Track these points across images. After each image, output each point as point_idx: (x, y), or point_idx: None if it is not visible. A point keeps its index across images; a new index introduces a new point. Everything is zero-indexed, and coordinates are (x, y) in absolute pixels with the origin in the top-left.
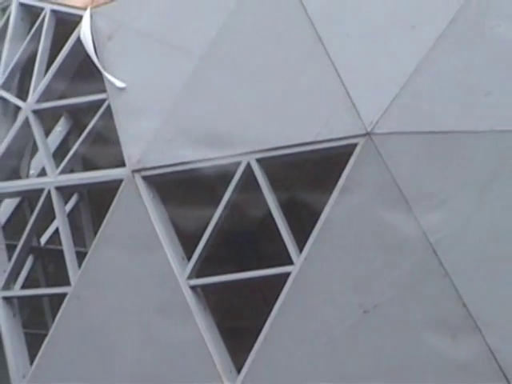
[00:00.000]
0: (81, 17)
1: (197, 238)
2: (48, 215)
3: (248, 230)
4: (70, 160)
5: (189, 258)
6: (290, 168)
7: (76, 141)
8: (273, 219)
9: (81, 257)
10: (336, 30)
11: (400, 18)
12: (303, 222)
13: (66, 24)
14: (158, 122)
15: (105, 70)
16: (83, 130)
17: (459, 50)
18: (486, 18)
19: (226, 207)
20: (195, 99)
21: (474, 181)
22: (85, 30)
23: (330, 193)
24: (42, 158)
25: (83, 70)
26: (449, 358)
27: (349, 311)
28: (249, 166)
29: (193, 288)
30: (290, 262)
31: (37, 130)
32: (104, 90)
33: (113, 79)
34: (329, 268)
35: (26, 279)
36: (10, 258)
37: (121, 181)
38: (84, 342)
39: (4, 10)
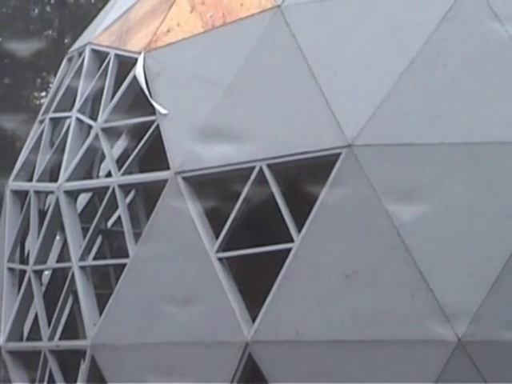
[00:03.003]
0: (136, 59)
1: (223, 222)
2: (113, 206)
3: (261, 216)
4: (129, 165)
5: (217, 237)
6: (292, 170)
7: (133, 150)
8: (279, 209)
9: (137, 236)
10: (325, 68)
11: (374, 56)
12: (302, 211)
13: (126, 64)
14: (194, 137)
15: (154, 99)
16: (139, 143)
17: (418, 82)
18: (436, 59)
19: (244, 199)
20: (221, 120)
21: (427, 181)
22: (139, 69)
23: (321, 190)
24: (108, 164)
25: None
26: (407, 312)
27: (335, 276)
28: (261, 169)
29: (220, 259)
30: (291, 240)
31: (104, 143)
32: (154, 113)
33: (158, 107)
34: (320, 244)
35: (97, 253)
36: (84, 237)
37: (166, 180)
38: (139, 300)
39: (70, 59)
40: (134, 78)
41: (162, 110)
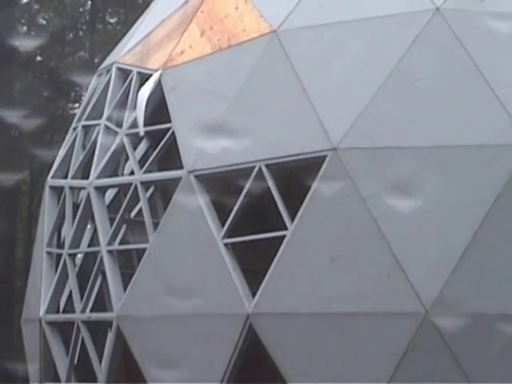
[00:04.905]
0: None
1: (228, 213)
2: (135, 199)
3: (260, 208)
4: (149, 165)
5: (223, 226)
6: (286, 169)
7: (153, 153)
8: (275, 201)
9: (155, 225)
10: (314, 83)
11: (355, 73)
12: (294, 203)
13: (146, 80)
14: (204, 141)
15: (171, 110)
16: (157, 146)
17: (393, 94)
18: (409, 75)
19: (246, 194)
20: (226, 127)
21: (400, 179)
22: (146, 86)
23: (311, 185)
24: (131, 164)
25: (157, 108)
26: (384, 288)
27: (323, 258)
28: (260, 168)
29: (225, 245)
30: (286, 228)
31: (128, 146)
32: (170, 121)
33: (140, 124)
34: (310, 232)
35: (122, 239)
36: (111, 226)
37: (180, 178)
38: (156, 278)
39: (99, 75)
40: (152, 92)
41: (141, 130)
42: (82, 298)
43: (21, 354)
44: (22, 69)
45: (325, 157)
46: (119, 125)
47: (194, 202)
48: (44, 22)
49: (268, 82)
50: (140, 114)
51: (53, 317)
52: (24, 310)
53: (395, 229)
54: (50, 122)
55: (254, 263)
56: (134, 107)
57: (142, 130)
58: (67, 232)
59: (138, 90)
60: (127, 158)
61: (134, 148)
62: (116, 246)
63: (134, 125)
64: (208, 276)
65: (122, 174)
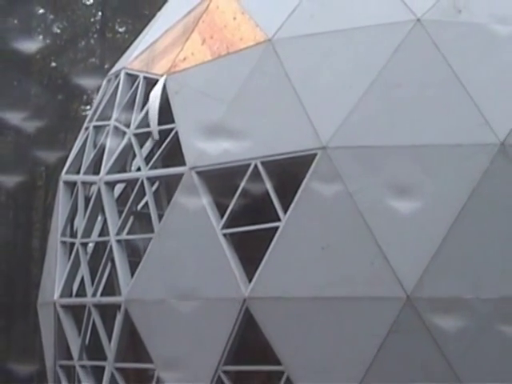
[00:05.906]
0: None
1: (227, 205)
2: (142, 193)
3: (255, 201)
4: (154, 162)
5: (222, 217)
6: (280, 165)
7: (158, 150)
8: (269, 195)
9: (160, 217)
10: (305, 88)
11: (343, 79)
12: (287, 197)
13: (152, 84)
14: (204, 141)
15: (175, 114)
16: (162, 144)
17: (377, 98)
18: (391, 80)
19: (243, 188)
20: (225, 127)
21: (384, 175)
22: (156, 90)
23: (302, 181)
24: (138, 161)
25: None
26: (368, 275)
27: (313, 247)
28: (256, 165)
29: (224, 235)
30: (279, 220)
31: (135, 145)
32: (173, 121)
33: (154, 130)
34: (301, 223)
35: (129, 229)
36: (119, 217)
37: (183, 174)
38: (161, 265)
39: (109, 80)
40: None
41: (156, 136)
42: (92, 283)
43: (37, 334)
44: (38, 74)
45: (315, 155)
46: (127, 125)
47: (195, 196)
48: (58, 31)
49: (263, 87)
50: (153, 115)
51: (66, 300)
52: (40, 294)
53: (379, 220)
54: (64, 122)
55: (251, 251)
56: (142, 108)
57: (155, 131)
58: (79, 223)
59: (145, 94)
60: (134, 156)
61: (141, 147)
62: (124, 236)
63: (141, 125)
64: (208, 263)
65: (130, 170)
